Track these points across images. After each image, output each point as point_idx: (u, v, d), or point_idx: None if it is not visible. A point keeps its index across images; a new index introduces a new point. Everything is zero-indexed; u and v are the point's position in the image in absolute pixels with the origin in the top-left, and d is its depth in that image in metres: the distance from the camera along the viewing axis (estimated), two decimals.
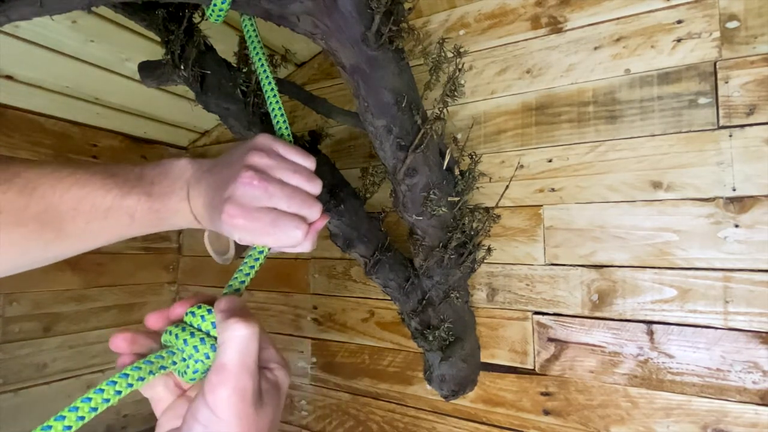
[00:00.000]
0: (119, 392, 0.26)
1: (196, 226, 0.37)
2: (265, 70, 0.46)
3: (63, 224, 0.32)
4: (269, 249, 0.36)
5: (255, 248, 0.36)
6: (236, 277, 0.34)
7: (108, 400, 0.26)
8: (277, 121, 0.43)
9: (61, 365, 1.12)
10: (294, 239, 0.34)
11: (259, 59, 0.47)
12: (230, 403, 0.25)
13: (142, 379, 0.26)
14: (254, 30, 0.50)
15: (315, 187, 0.36)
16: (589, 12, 0.80)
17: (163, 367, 0.28)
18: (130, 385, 0.26)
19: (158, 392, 0.30)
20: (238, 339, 0.27)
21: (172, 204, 0.35)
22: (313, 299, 1.08)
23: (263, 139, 0.36)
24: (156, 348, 0.30)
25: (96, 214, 0.33)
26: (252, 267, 0.35)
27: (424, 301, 0.78)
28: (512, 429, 0.82)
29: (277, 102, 0.44)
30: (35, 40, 0.82)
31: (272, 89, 0.45)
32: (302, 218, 0.34)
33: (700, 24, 0.71)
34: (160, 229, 0.36)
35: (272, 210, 0.33)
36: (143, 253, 1.31)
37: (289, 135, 0.43)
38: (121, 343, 0.29)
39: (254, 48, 0.49)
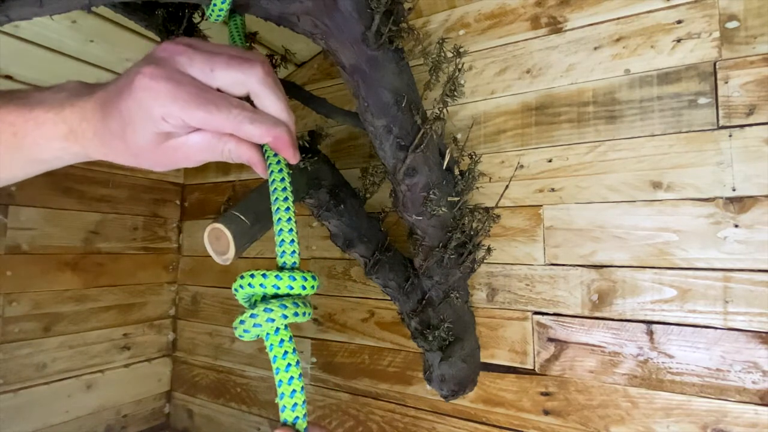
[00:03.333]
0: None
1: (67, 153, 0.30)
2: None
3: None
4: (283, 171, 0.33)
5: (270, 169, 0.33)
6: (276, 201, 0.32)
7: None
8: None
9: (61, 365, 1.12)
10: (233, 117, 0.27)
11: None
12: None
13: None
14: (237, 28, 0.50)
15: (246, 64, 0.29)
16: (589, 12, 0.80)
17: None
18: None
19: None
20: None
21: (35, 114, 0.28)
22: (312, 299, 1.08)
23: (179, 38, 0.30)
24: None
25: None
26: (283, 180, 0.33)
27: (424, 301, 0.78)
28: (512, 429, 0.82)
29: None
30: (35, 40, 0.82)
31: None
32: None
33: (699, 24, 0.71)
34: (24, 158, 0.30)
35: (197, 81, 0.28)
36: (143, 253, 1.31)
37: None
38: None
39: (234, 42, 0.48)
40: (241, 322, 0.30)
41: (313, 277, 0.31)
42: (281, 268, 0.31)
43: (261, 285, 0.30)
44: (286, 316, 0.29)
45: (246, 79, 0.29)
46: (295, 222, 0.33)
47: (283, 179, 0.33)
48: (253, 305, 0.30)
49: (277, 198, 0.33)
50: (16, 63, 0.88)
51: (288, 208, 0.33)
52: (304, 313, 0.30)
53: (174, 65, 0.27)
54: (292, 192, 0.33)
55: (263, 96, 0.29)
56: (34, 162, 0.31)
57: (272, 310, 0.29)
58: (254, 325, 0.29)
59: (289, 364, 0.29)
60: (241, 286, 0.31)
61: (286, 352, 0.29)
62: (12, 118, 0.29)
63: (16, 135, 0.29)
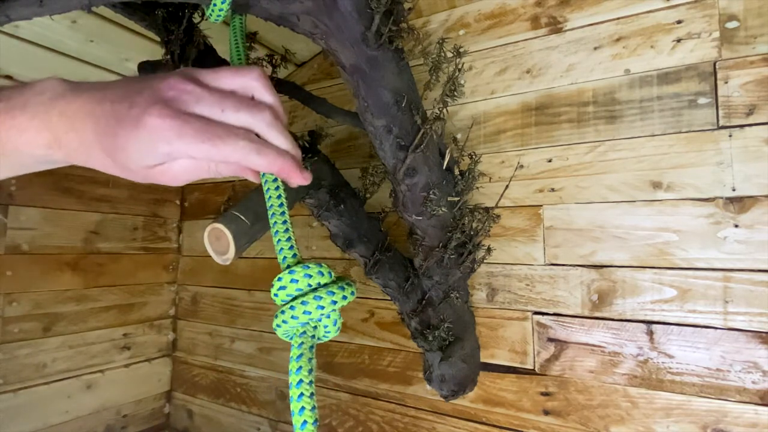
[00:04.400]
0: None
1: (48, 161, 0.30)
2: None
3: None
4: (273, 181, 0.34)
5: (267, 190, 0.34)
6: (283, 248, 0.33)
7: None
8: None
9: (60, 365, 1.12)
10: (239, 149, 0.28)
11: (239, 58, 0.46)
12: None
13: None
14: (235, 29, 0.50)
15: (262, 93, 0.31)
16: (589, 12, 0.80)
17: None
18: None
19: None
20: None
21: (19, 121, 0.28)
22: None
23: (181, 71, 0.30)
24: None
25: None
26: (282, 211, 0.33)
27: (424, 301, 0.78)
28: (512, 429, 0.82)
29: None
30: (35, 40, 0.83)
31: None
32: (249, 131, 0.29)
33: (699, 24, 0.71)
34: (7, 161, 0.30)
35: (203, 117, 0.28)
36: (143, 253, 1.31)
37: None
38: None
39: (236, 46, 0.48)
40: (292, 307, 0.30)
41: (319, 265, 0.33)
42: (288, 267, 0.32)
43: (292, 281, 0.31)
44: (335, 302, 0.30)
45: (255, 123, 0.29)
46: (291, 224, 0.34)
47: (278, 187, 0.34)
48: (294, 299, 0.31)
49: (272, 205, 0.33)
50: (16, 63, 0.88)
51: (284, 212, 0.33)
52: (351, 293, 0.31)
53: (181, 105, 0.28)
54: (286, 198, 0.34)
55: (270, 137, 0.30)
56: (15, 165, 0.31)
57: (321, 297, 0.30)
58: (304, 312, 0.30)
59: (300, 367, 0.29)
60: (281, 287, 0.31)
61: (301, 355, 0.30)
62: None
63: None
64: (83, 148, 0.28)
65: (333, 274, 0.32)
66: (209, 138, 0.27)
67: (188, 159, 0.29)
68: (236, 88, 0.30)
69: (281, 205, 0.34)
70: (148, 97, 0.27)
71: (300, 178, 0.31)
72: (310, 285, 0.31)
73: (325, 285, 0.31)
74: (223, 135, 0.28)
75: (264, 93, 0.31)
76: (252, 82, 0.30)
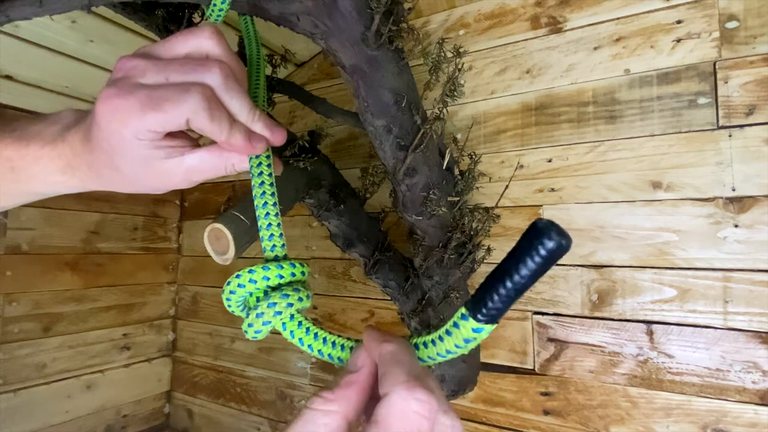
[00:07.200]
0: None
1: (65, 187, 0.30)
2: (258, 73, 0.45)
3: None
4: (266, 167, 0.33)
5: (253, 175, 0.32)
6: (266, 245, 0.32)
7: None
8: None
9: (60, 365, 1.12)
10: (190, 107, 0.25)
11: (257, 60, 0.46)
12: None
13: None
14: (253, 27, 0.50)
15: (206, 40, 0.28)
16: (589, 12, 0.80)
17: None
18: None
19: None
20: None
21: (32, 150, 0.28)
22: (312, 299, 1.08)
23: (136, 50, 0.28)
24: None
25: None
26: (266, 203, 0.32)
27: (424, 301, 0.78)
28: (512, 429, 0.82)
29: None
30: (35, 40, 0.82)
31: (264, 98, 0.43)
32: (200, 85, 0.26)
33: (699, 24, 0.71)
34: (20, 190, 0.30)
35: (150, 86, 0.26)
36: (143, 253, 1.31)
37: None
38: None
39: (251, 47, 0.48)
40: (250, 325, 0.29)
41: (301, 264, 0.31)
42: (267, 260, 0.31)
43: (251, 281, 0.30)
44: (291, 305, 0.29)
45: (204, 81, 0.27)
46: (279, 214, 0.33)
47: (268, 173, 0.33)
48: (255, 306, 0.29)
49: (264, 192, 0.33)
50: (16, 63, 0.88)
51: (275, 203, 0.33)
52: (307, 296, 0.31)
53: (129, 82, 0.26)
54: (273, 184, 0.33)
55: (225, 99, 0.28)
56: (31, 194, 0.31)
57: (276, 304, 0.29)
58: (264, 323, 0.29)
59: (301, 339, 0.29)
60: (232, 291, 0.30)
61: (300, 324, 0.30)
62: (9, 152, 0.28)
63: (13, 170, 0.29)
64: (93, 171, 0.29)
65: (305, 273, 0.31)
66: (156, 104, 0.25)
67: (193, 155, 0.28)
68: (189, 52, 0.28)
69: (272, 184, 0.33)
70: (103, 87, 0.27)
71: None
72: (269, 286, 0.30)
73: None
74: (170, 96, 0.25)
75: (215, 49, 0.28)
76: (204, 42, 0.28)
